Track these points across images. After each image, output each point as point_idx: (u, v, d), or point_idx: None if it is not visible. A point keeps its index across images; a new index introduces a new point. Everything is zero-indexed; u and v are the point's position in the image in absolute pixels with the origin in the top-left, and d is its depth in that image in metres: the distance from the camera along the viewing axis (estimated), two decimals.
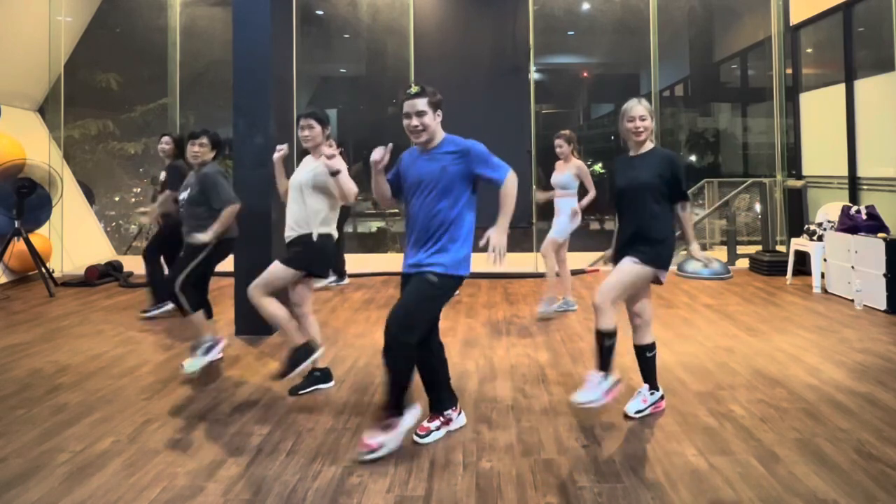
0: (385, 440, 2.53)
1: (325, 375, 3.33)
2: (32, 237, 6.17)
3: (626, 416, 2.87)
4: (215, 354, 3.68)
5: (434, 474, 2.39)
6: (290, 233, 3.28)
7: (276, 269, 3.21)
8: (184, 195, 3.71)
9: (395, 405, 2.57)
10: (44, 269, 5.97)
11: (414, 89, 2.60)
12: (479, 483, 2.32)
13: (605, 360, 2.78)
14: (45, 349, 4.07)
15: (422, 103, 2.58)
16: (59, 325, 4.71)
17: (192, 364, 3.52)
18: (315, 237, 3.22)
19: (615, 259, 2.92)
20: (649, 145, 2.91)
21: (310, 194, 3.23)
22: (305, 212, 3.24)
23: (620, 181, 2.92)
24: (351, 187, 3.13)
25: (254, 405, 3.10)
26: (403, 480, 2.34)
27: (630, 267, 2.78)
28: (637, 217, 2.83)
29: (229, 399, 3.19)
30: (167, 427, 2.84)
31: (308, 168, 3.31)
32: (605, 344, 2.76)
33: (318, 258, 3.27)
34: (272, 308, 3.20)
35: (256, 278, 3.23)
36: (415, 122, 2.58)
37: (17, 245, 6.06)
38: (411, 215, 2.67)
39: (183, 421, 2.91)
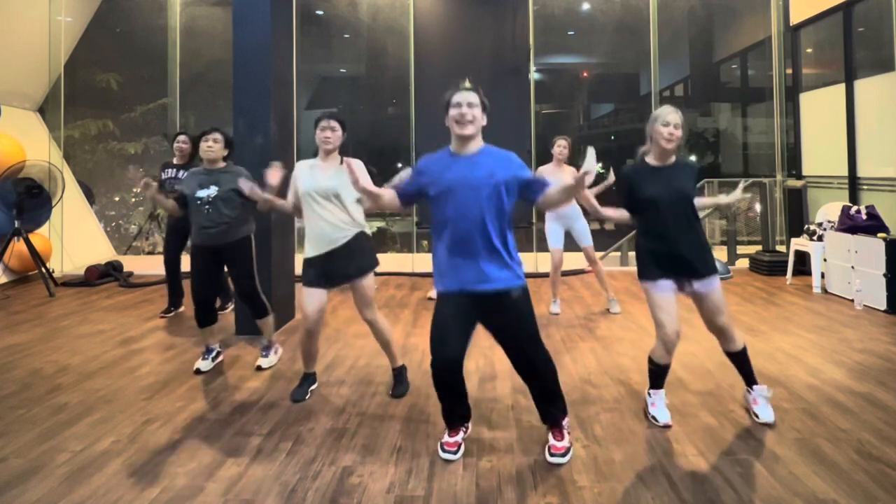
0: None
1: (311, 376, 3.31)
2: (32, 237, 6.18)
3: (626, 417, 2.88)
4: (278, 354, 3.86)
5: (434, 474, 2.39)
6: (338, 235, 3.08)
7: (367, 284, 3.15)
8: (203, 193, 3.49)
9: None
10: (44, 269, 5.97)
11: (468, 84, 2.52)
12: (479, 483, 2.32)
13: (748, 372, 2.90)
14: (45, 349, 4.07)
15: (475, 97, 2.49)
16: (59, 325, 4.71)
17: (270, 361, 3.73)
18: (368, 231, 3.22)
19: (675, 271, 2.74)
20: (674, 157, 2.83)
21: (347, 197, 3.10)
22: (347, 212, 3.11)
23: (653, 190, 2.74)
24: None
25: (254, 405, 3.10)
26: (403, 480, 2.34)
27: (719, 284, 2.80)
28: (689, 229, 2.75)
29: (229, 399, 3.19)
30: (167, 427, 2.84)
31: (330, 174, 3.11)
32: (748, 359, 2.89)
33: (373, 252, 3.24)
34: (388, 325, 3.31)
35: (361, 306, 3.15)
36: (465, 110, 2.45)
37: (17, 245, 6.07)
38: (447, 222, 2.45)
39: (183, 421, 2.91)
